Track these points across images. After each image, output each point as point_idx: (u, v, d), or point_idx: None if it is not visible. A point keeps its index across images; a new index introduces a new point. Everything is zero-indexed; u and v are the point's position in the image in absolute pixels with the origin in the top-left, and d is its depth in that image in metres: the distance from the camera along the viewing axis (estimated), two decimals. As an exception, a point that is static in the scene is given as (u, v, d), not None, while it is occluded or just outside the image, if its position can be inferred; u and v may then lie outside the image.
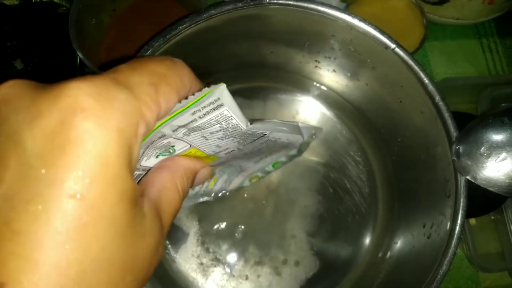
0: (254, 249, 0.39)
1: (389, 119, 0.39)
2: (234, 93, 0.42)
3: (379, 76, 0.36)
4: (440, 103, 0.31)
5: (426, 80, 0.32)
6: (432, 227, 0.32)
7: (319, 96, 0.43)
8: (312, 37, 0.36)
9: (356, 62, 0.36)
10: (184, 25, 0.30)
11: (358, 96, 0.40)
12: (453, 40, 0.52)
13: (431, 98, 0.32)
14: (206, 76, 0.40)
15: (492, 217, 0.44)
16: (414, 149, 0.36)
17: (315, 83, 0.42)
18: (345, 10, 0.32)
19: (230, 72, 0.42)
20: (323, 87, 0.42)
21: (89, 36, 0.41)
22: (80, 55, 0.37)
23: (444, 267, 0.28)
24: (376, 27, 0.32)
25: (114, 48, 0.43)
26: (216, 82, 0.45)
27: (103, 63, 0.41)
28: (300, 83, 0.42)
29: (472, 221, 0.44)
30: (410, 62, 0.32)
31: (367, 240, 0.40)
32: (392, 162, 0.40)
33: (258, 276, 0.39)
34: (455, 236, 0.28)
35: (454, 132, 0.31)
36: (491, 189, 0.28)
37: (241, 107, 0.41)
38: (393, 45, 0.32)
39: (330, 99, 0.42)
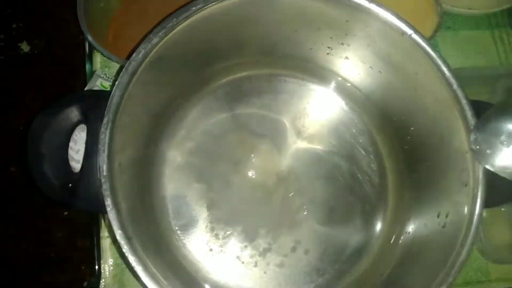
0: (263, 237, 0.39)
1: (402, 108, 0.38)
2: (244, 80, 0.42)
3: (394, 63, 0.35)
4: (458, 90, 0.31)
5: (443, 67, 0.31)
6: (447, 216, 0.32)
7: (330, 85, 0.42)
8: (325, 22, 0.35)
9: (370, 48, 0.36)
10: (198, 7, 0.30)
11: (370, 84, 0.40)
12: (465, 31, 0.52)
13: (449, 84, 0.31)
14: (215, 62, 0.40)
15: (503, 209, 0.43)
16: (428, 138, 0.36)
17: (326, 71, 0.41)
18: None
19: (240, 58, 0.41)
20: (334, 76, 0.42)
21: (97, 19, 0.40)
22: (89, 37, 0.36)
23: (462, 256, 0.28)
24: (394, 13, 0.32)
25: (122, 31, 0.42)
26: (225, 68, 0.44)
27: (111, 46, 0.41)
28: (311, 71, 0.42)
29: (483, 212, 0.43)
30: (428, 48, 0.32)
31: (377, 230, 0.40)
32: (404, 152, 0.40)
33: (267, 264, 0.38)
34: (474, 225, 0.28)
35: (471, 120, 0.30)
36: (510, 178, 0.27)
37: (251, 95, 0.42)
38: (410, 31, 0.32)
39: (342, 87, 0.42)
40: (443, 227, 0.32)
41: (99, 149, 0.26)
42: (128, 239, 0.25)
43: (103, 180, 0.25)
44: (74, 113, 0.27)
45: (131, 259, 0.25)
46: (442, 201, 0.34)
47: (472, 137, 0.29)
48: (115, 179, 0.27)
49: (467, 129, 0.30)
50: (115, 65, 0.42)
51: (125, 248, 0.25)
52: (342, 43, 0.37)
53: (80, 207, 0.27)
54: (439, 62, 0.31)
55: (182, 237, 0.38)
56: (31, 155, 0.27)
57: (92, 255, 0.38)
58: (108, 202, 0.25)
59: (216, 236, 0.38)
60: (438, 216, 0.33)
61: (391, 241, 0.39)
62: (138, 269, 0.25)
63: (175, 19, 0.30)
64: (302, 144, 0.41)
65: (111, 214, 0.25)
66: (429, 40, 0.42)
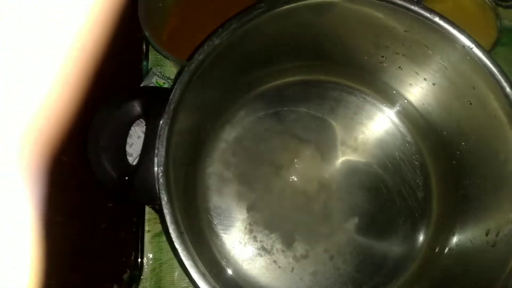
0: (302, 243, 0.39)
1: (453, 122, 0.37)
2: (292, 85, 0.42)
3: (450, 75, 0.35)
4: (518, 108, 0.30)
5: (504, 83, 0.30)
6: (498, 235, 0.31)
7: (380, 95, 0.42)
8: (384, 31, 0.35)
9: (426, 59, 0.35)
10: (260, 10, 0.30)
11: (422, 96, 0.39)
12: (520, 48, 0.50)
13: (509, 102, 0.30)
14: (266, 66, 0.40)
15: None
16: (480, 154, 0.35)
17: (377, 81, 0.41)
18: (422, 5, 0.31)
19: (292, 62, 0.41)
20: (385, 86, 0.41)
21: (154, 17, 0.41)
22: (148, 35, 0.37)
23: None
24: (455, 24, 0.31)
25: (177, 31, 0.43)
26: (275, 72, 0.44)
27: (166, 45, 0.42)
28: (362, 79, 0.42)
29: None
30: (488, 63, 0.31)
31: (419, 244, 0.39)
32: (452, 167, 0.39)
33: (304, 270, 0.38)
34: (530, 246, 0.27)
35: (530, 140, 0.29)
36: None
37: (297, 100, 0.42)
38: (471, 44, 0.31)
39: (392, 98, 0.41)
40: (493, 246, 0.31)
41: (158, 144, 0.26)
42: (181, 233, 0.26)
43: (160, 174, 0.26)
44: (135, 108, 0.28)
45: (182, 254, 0.26)
46: (492, 219, 0.33)
47: (532, 156, 0.28)
48: (170, 174, 0.27)
49: (525, 148, 0.30)
50: (167, 64, 0.43)
51: (177, 242, 0.26)
52: (397, 53, 0.36)
53: (134, 199, 0.28)
54: (500, 77, 0.31)
55: (221, 236, 0.38)
56: (92, 146, 0.28)
57: (133, 247, 0.39)
58: (164, 196, 0.26)
59: (254, 238, 0.38)
60: (486, 234, 0.32)
61: (433, 257, 0.38)
62: (188, 263, 0.26)
63: (236, 22, 0.30)
64: (346, 153, 0.41)
65: (166, 208, 0.26)
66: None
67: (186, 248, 0.26)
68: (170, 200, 0.26)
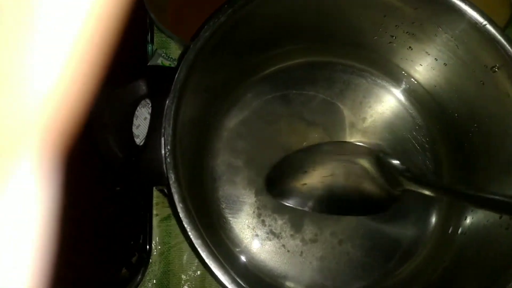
0: (310, 227, 0.38)
1: (465, 103, 0.37)
2: (299, 67, 0.41)
3: (461, 55, 0.34)
4: (534, 86, 0.29)
5: (519, 60, 0.30)
6: (512, 216, 0.30)
7: (389, 76, 0.41)
8: (393, 9, 0.34)
9: (437, 39, 0.34)
10: (267, -13, 0.30)
11: (433, 77, 0.38)
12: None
13: (524, 79, 0.30)
14: (272, 47, 0.40)
15: None
16: (493, 136, 0.34)
17: (386, 61, 0.40)
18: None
19: (297, 45, 0.40)
20: (394, 67, 0.40)
21: None
22: (153, 17, 0.37)
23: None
24: (467, 1, 0.30)
25: (182, 12, 0.42)
26: (281, 54, 0.43)
27: (171, 26, 0.41)
28: (370, 60, 0.41)
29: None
30: (502, 40, 0.30)
31: (430, 227, 0.39)
32: (464, 149, 0.38)
33: (313, 254, 0.38)
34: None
35: (546, 118, 0.29)
36: None
37: (305, 82, 0.41)
38: (484, 21, 0.30)
39: (401, 80, 0.41)
40: (507, 228, 0.31)
41: (165, 123, 0.26)
42: (189, 212, 0.26)
43: (167, 154, 0.26)
44: (140, 87, 0.28)
45: (191, 233, 0.25)
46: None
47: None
48: (177, 154, 0.27)
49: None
50: (173, 46, 0.43)
51: (186, 221, 0.25)
52: (407, 32, 0.35)
53: (142, 180, 0.28)
54: (514, 54, 0.30)
55: (230, 220, 0.38)
56: (97, 126, 0.28)
57: (141, 231, 0.39)
58: (171, 175, 0.26)
59: (263, 222, 0.38)
60: (500, 217, 0.32)
61: (445, 240, 0.37)
62: (197, 243, 0.26)
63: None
64: (355, 136, 0.40)
65: (174, 188, 0.26)
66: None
67: (195, 227, 0.26)
68: (177, 179, 0.26)
